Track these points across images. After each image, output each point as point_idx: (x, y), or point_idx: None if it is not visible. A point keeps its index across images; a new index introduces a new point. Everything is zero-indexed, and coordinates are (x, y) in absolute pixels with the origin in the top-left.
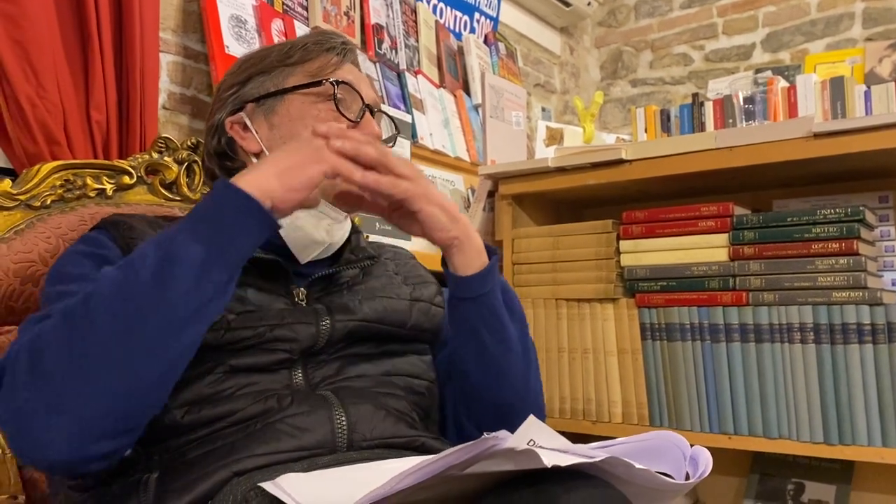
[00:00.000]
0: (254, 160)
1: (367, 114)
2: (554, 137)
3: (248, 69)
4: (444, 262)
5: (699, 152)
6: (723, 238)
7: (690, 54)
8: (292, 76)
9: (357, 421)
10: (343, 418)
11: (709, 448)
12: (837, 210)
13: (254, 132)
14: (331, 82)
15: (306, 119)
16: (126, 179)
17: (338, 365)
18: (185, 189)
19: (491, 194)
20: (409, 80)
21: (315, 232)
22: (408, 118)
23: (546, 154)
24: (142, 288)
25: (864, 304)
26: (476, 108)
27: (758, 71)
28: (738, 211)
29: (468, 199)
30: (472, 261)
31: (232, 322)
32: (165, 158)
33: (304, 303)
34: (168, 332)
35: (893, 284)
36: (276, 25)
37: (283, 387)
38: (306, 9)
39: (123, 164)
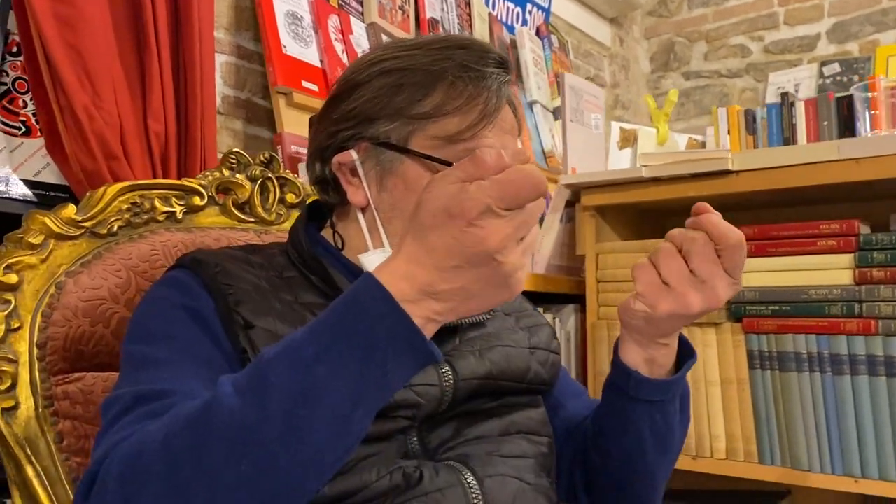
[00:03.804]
0: (359, 214)
1: None
2: (627, 139)
3: (376, 101)
4: (617, 346)
5: (819, 164)
6: (847, 259)
7: (748, 46)
8: (421, 133)
9: (494, 499)
10: (479, 498)
11: (832, 492)
12: None
13: (364, 184)
14: None
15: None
16: (196, 200)
17: (455, 425)
18: (259, 209)
19: (569, 204)
20: None
21: None
22: None
23: (619, 157)
24: (269, 434)
25: None
26: (531, 104)
27: (823, 63)
28: (865, 229)
29: None
30: (670, 358)
31: None
32: (237, 176)
33: None
34: (290, 487)
35: None
36: (333, 22)
37: (402, 455)
38: (361, 3)
39: (193, 183)
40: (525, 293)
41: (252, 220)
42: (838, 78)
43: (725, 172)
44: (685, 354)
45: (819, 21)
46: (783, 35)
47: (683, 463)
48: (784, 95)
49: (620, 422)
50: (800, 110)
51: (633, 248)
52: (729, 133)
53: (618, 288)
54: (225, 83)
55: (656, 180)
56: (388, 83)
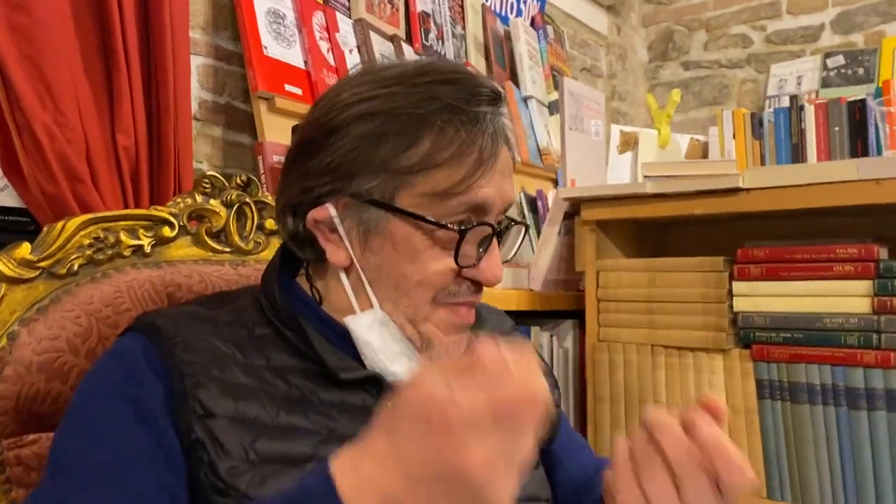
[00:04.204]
0: (342, 275)
1: (493, 244)
2: (628, 143)
3: (355, 153)
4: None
5: (837, 184)
6: (865, 286)
7: (750, 35)
8: (408, 188)
9: None
10: None
11: None
12: None
13: (346, 243)
14: (458, 230)
15: (412, 256)
16: (166, 231)
17: None
18: (236, 237)
19: (568, 215)
20: None
21: (392, 365)
22: None
23: (619, 161)
24: None
25: None
26: (525, 100)
27: (827, 55)
28: (884, 255)
29: (521, 206)
30: None
31: None
32: (211, 202)
33: None
34: None
35: None
36: (318, 19)
37: None
38: None
39: (162, 212)
40: (520, 313)
41: (228, 249)
42: (843, 70)
43: (735, 190)
44: None
45: (823, 10)
46: (786, 25)
47: None
48: (793, 98)
49: None
50: (809, 115)
51: (636, 266)
52: (734, 137)
53: (620, 308)
54: (202, 87)
55: (661, 195)
56: (367, 131)
